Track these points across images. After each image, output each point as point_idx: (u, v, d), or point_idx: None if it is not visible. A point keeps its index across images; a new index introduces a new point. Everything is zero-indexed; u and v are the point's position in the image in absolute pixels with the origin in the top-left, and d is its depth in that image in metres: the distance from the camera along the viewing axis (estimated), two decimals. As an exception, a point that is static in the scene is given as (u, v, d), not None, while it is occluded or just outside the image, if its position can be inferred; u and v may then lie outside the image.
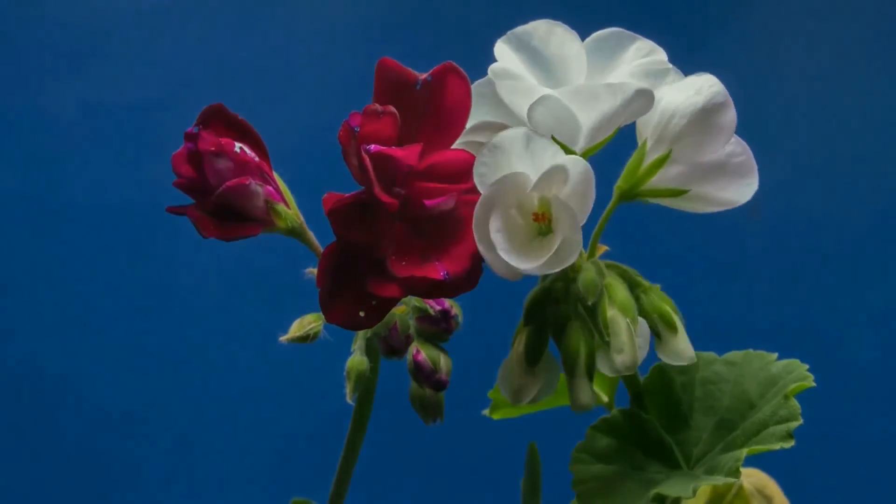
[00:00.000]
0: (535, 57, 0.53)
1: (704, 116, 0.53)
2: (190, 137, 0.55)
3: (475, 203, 0.50)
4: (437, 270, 0.49)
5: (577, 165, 0.49)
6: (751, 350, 0.61)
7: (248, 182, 0.54)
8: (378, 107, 0.51)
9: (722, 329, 1.29)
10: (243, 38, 1.42)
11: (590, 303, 0.52)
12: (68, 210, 1.37)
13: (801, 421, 0.54)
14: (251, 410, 1.35)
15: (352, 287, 0.51)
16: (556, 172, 0.49)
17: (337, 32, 1.42)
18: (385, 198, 0.50)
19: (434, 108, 0.53)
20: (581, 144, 0.52)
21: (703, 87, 0.54)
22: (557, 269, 0.49)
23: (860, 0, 1.42)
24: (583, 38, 0.55)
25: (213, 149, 0.55)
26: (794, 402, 0.55)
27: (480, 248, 0.49)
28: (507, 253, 0.49)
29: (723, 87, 0.54)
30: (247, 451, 1.35)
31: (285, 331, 0.59)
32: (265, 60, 1.41)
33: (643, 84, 0.51)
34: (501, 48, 0.53)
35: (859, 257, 1.36)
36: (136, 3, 1.41)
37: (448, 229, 0.51)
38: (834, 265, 1.36)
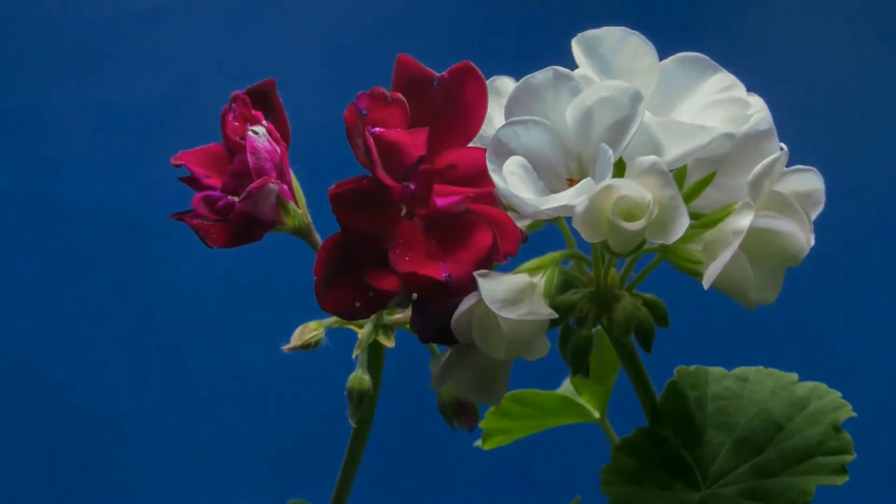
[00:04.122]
0: (603, 64, 0.50)
1: (748, 141, 0.51)
2: (235, 100, 0.55)
3: (486, 208, 0.50)
4: (440, 271, 0.49)
5: (615, 109, 0.47)
6: (761, 367, 0.59)
7: (269, 181, 0.53)
8: (386, 92, 0.51)
9: (720, 331, 1.29)
10: (245, 37, 1.42)
11: (624, 340, 0.51)
12: (68, 210, 1.36)
13: (854, 455, 0.53)
14: (250, 411, 1.34)
15: (350, 277, 0.50)
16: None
17: (339, 32, 1.42)
18: (388, 181, 0.50)
19: (450, 106, 0.53)
20: None
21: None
22: (578, 204, 0.46)
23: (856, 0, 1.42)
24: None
25: (250, 118, 0.54)
26: (846, 436, 0.54)
27: (493, 177, 0.47)
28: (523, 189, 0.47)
29: (769, 112, 0.52)
30: (246, 451, 1.34)
31: (286, 330, 0.59)
32: (266, 61, 1.41)
33: (730, 129, 0.49)
34: (574, 50, 0.51)
35: (859, 259, 1.36)
36: (137, 3, 1.41)
37: (456, 231, 0.50)
38: (833, 267, 1.35)
